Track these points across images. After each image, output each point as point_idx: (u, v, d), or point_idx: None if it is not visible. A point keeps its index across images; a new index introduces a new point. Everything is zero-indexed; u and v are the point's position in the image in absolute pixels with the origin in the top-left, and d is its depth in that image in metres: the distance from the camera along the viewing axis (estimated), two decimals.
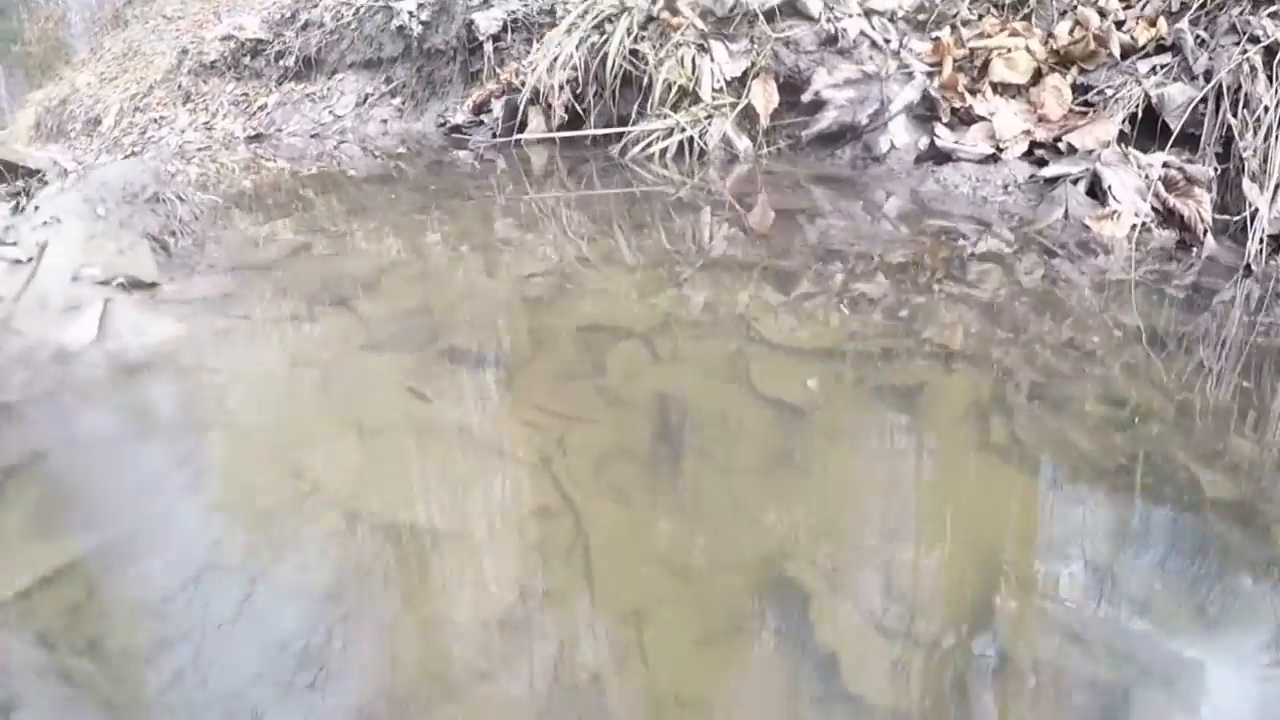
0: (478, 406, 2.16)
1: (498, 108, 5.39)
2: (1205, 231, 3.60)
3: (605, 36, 4.80)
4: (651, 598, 1.60)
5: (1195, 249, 3.54)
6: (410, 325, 2.69)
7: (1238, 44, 4.01)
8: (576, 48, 4.86)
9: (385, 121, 6.66)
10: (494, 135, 5.33)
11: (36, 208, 3.68)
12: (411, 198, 4.38)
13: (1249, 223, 3.56)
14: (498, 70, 5.62)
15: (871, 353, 2.44)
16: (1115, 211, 3.62)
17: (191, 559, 1.69)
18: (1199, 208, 3.67)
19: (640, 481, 1.86)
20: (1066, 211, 3.69)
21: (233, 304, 2.94)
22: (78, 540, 1.75)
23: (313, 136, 6.93)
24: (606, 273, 3.15)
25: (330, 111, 7.06)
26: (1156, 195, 3.72)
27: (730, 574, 1.65)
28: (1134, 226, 3.61)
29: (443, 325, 2.66)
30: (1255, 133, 3.85)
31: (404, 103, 6.57)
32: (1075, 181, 3.80)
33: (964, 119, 4.30)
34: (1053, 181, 3.87)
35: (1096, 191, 3.78)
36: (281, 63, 7.76)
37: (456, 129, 5.72)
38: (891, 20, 4.67)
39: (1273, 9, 3.98)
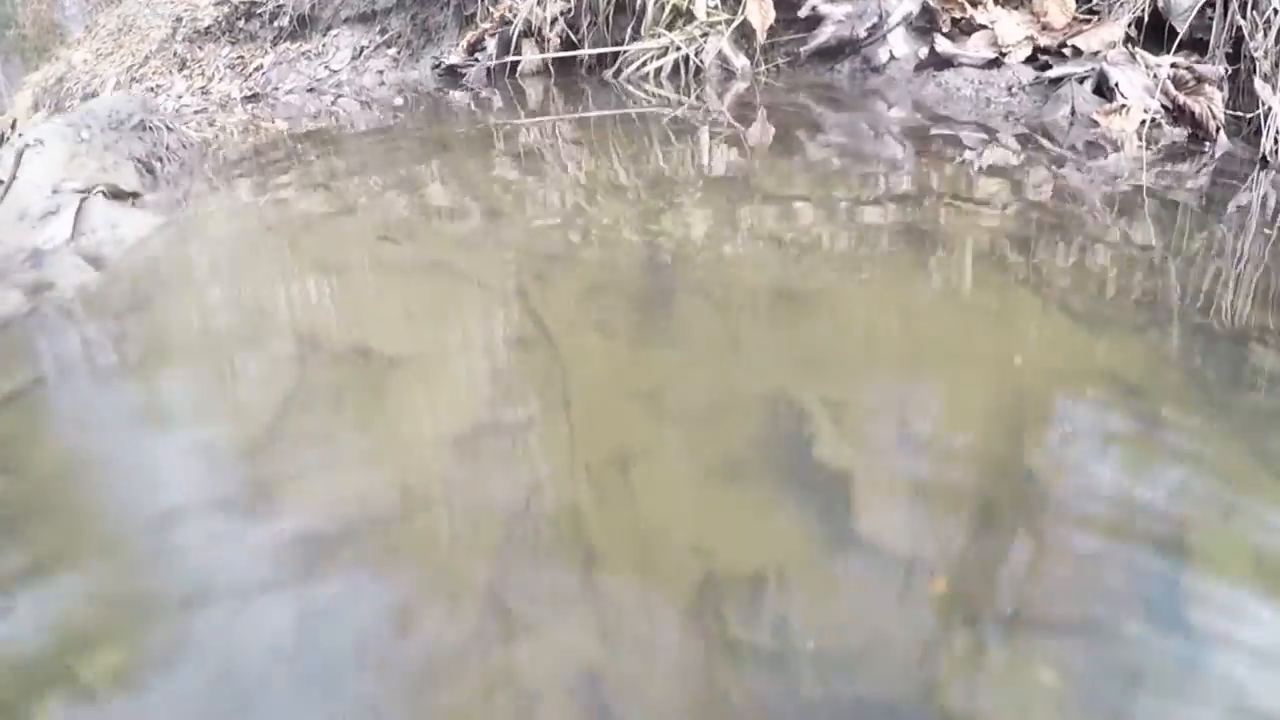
0: (451, 247, 2.06)
1: (492, 45, 5.30)
2: (1218, 129, 3.50)
3: None
4: (638, 431, 1.50)
5: (1209, 144, 3.44)
6: (388, 191, 2.59)
7: None
8: None
9: (381, 72, 6.57)
10: (489, 72, 5.24)
11: (20, 134, 3.61)
12: (407, 136, 4.31)
13: (1263, 121, 3.46)
14: (491, 10, 5.53)
15: (880, 197, 2.34)
16: (1124, 106, 3.51)
17: (131, 388, 1.61)
18: (1210, 105, 3.56)
19: (627, 316, 1.76)
20: (1073, 108, 3.59)
21: (214, 199, 2.87)
22: (22, 378, 1.67)
23: (309, 91, 6.85)
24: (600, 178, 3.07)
25: (326, 67, 6.97)
26: (1166, 93, 3.61)
27: (727, 410, 1.54)
28: (1143, 122, 3.50)
29: (420, 185, 2.56)
30: (1266, 34, 3.73)
31: (399, 52, 6.48)
32: (1081, 80, 3.70)
33: (964, 29, 4.19)
34: (1057, 82, 3.76)
35: (1103, 90, 3.68)
36: (276, 23, 7.68)
37: (451, 70, 5.64)
38: None
39: None
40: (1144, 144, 3.39)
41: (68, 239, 2.63)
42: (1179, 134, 3.52)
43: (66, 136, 3.56)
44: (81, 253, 2.50)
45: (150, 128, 3.94)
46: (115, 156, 3.53)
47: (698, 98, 4.25)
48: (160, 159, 3.80)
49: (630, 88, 4.50)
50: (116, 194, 3.04)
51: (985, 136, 3.48)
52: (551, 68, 5.02)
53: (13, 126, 3.98)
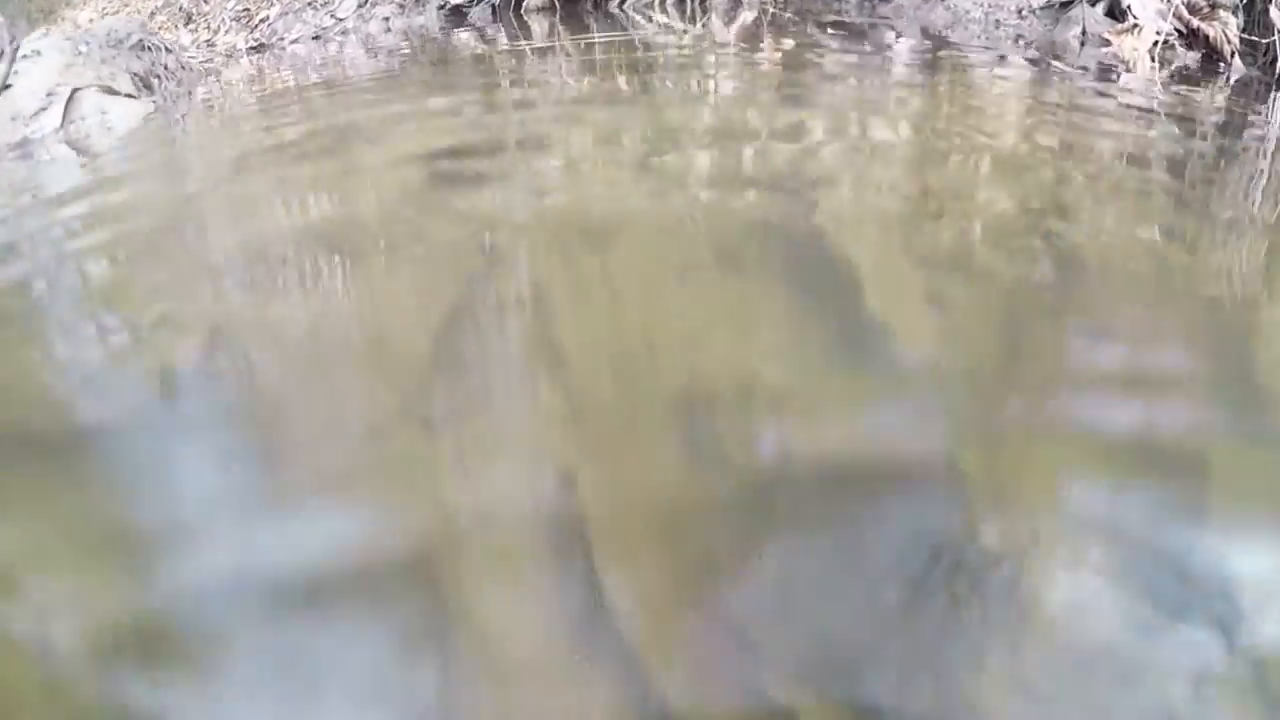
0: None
1: None
2: (1233, 53, 3.44)
3: None
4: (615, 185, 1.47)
5: (1223, 67, 3.38)
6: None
7: None
8: None
9: (387, 19, 6.52)
10: (494, 10, 5.19)
11: (17, 48, 3.57)
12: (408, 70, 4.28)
13: (1278, 47, 3.41)
14: None
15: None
16: (1136, 26, 3.45)
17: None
18: (1225, 29, 3.49)
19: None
20: (1084, 29, 3.53)
21: (210, 100, 2.84)
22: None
23: (314, 39, 6.78)
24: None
25: (332, 15, 6.90)
26: (1179, 17, 3.55)
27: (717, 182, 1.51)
28: (1156, 43, 3.44)
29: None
30: None
31: None
32: (1093, 3, 3.63)
33: None
34: (1068, 5, 3.70)
35: (1115, 13, 3.61)
36: None
37: (456, 10, 5.59)
38: None
39: None
40: (1157, 64, 3.34)
41: (56, 128, 2.59)
42: (1192, 58, 3.46)
43: (64, 50, 3.52)
44: (68, 139, 2.47)
45: (149, 48, 3.90)
46: (112, 69, 3.48)
47: (704, 26, 4.20)
48: (158, 76, 3.75)
49: (636, 16, 4.44)
50: (110, 91, 3.01)
51: (994, 59, 3.43)
52: (557, 1, 4.96)
53: (10, 42, 3.91)
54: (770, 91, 2.33)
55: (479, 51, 4.37)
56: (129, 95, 3.03)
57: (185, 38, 8.46)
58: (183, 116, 2.62)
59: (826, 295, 1.31)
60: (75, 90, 2.74)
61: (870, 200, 1.60)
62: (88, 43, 3.67)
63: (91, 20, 11.24)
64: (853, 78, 3.07)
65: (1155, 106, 2.77)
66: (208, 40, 8.11)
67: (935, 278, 1.38)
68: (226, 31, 7.99)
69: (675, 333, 1.23)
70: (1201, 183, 1.78)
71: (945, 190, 1.73)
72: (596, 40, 4.11)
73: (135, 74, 3.58)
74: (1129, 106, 2.76)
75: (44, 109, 2.78)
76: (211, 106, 2.59)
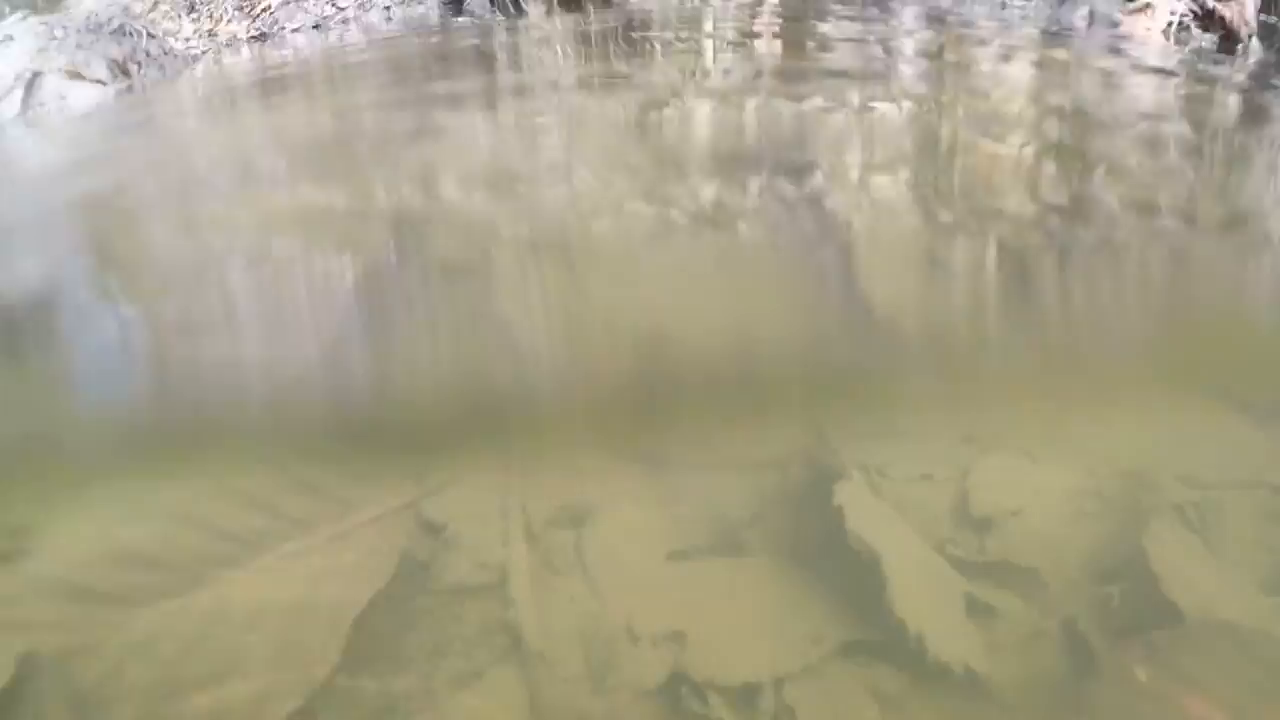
0: None
1: None
2: (1250, 35, 3.31)
3: None
4: None
5: (1240, 48, 3.25)
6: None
7: None
8: None
9: (388, 8, 6.44)
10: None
11: None
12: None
13: None
14: None
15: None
16: (1149, 5, 3.31)
17: None
18: (1242, 10, 3.36)
19: None
20: (1092, 10, 3.39)
21: (192, 82, 2.75)
22: None
23: (314, 28, 6.71)
24: None
25: (333, 4, 6.82)
26: None
27: None
28: (1170, 24, 3.30)
29: None
30: None
31: None
32: None
33: None
34: None
35: None
36: None
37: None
38: None
39: None
40: (1171, 44, 3.22)
41: (17, 113, 2.50)
42: (1209, 39, 3.33)
43: (39, 34, 3.43)
44: (28, 121, 2.38)
45: (130, 33, 3.81)
46: (87, 55, 3.39)
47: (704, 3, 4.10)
48: (139, 63, 3.66)
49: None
50: (77, 77, 2.91)
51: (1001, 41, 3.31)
52: None
53: None
54: (769, 63, 2.25)
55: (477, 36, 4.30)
56: (97, 81, 2.93)
57: (188, 27, 8.39)
58: (155, 97, 2.54)
59: None
60: (36, 75, 2.64)
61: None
62: (64, 27, 3.58)
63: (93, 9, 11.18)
64: (857, 58, 2.98)
65: (1168, 89, 2.65)
66: (209, 30, 8.05)
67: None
68: (229, 21, 7.91)
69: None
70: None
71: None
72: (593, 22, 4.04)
73: (113, 60, 3.48)
74: (1146, 91, 2.64)
75: (5, 96, 2.69)
76: (193, 87, 2.52)
